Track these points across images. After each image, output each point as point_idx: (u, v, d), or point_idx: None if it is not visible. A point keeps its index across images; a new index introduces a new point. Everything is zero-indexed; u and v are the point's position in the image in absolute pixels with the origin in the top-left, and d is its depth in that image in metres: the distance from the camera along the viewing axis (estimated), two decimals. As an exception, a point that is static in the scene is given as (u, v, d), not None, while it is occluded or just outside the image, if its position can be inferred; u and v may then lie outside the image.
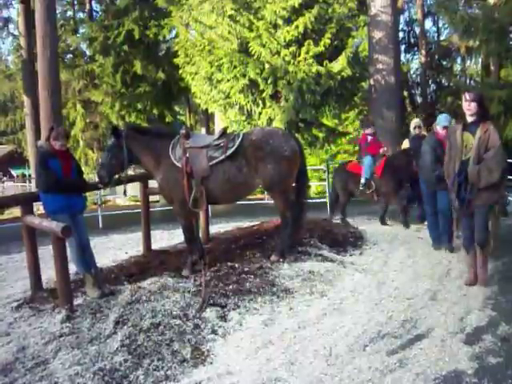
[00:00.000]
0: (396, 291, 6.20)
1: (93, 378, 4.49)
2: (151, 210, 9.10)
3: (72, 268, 6.62)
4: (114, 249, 10.42)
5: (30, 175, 30.29)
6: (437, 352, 4.54)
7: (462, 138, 5.94)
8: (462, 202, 6.02)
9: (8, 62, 34.82)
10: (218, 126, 17.84)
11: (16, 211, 19.44)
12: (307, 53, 15.16)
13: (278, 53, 15.34)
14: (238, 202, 8.90)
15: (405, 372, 4.23)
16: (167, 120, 23.70)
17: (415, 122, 10.87)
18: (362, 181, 10.54)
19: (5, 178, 38.26)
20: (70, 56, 26.62)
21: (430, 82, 27.33)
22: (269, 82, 15.23)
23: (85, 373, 4.57)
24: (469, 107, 5.90)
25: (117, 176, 7.05)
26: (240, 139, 6.84)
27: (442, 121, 7.89)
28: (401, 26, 26.06)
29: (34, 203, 7.13)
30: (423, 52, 25.43)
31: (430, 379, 4.10)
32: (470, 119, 5.97)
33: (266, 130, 7.20)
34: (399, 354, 4.55)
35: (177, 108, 27.80)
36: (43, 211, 6.67)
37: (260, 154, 6.78)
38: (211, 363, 4.71)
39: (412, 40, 28.38)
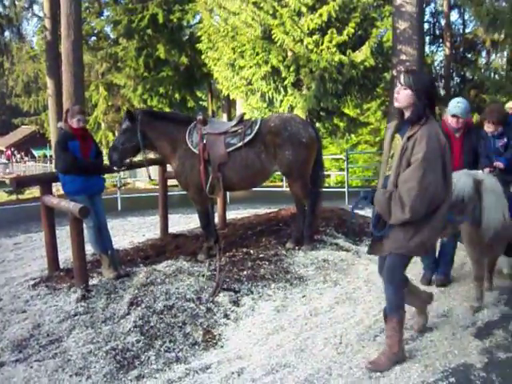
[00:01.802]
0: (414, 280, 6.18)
1: (105, 356, 4.59)
2: (170, 193, 9.15)
3: (89, 248, 6.71)
4: (131, 231, 10.52)
5: (51, 156, 30.59)
6: (446, 345, 4.54)
7: (391, 143, 4.39)
8: (373, 236, 4.21)
9: (32, 43, 35.08)
10: (240, 113, 17.86)
11: (36, 191, 19.71)
12: (330, 41, 15.06)
13: (301, 41, 15.25)
14: (257, 189, 8.93)
15: (413, 363, 4.24)
16: (189, 105, 23.76)
17: (510, 106, 7.50)
18: None
19: (26, 158, 38.72)
20: (93, 39, 26.74)
21: (454, 74, 26.99)
22: (291, 69, 15.17)
23: (97, 351, 4.67)
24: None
25: (128, 160, 7.10)
26: (258, 126, 6.84)
27: (451, 107, 5.64)
28: (426, 18, 25.68)
29: (54, 183, 7.22)
30: (448, 44, 25.10)
31: (438, 371, 4.10)
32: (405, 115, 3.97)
33: (284, 117, 7.19)
34: (409, 346, 4.56)
35: (199, 93, 27.81)
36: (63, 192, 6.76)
37: (278, 141, 6.78)
38: (222, 347, 4.77)
39: (437, 32, 28.01)
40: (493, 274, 5.87)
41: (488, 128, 5.72)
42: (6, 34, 27.77)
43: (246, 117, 8.48)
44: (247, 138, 6.76)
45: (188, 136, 6.86)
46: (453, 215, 4.43)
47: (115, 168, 7.18)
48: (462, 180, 4.55)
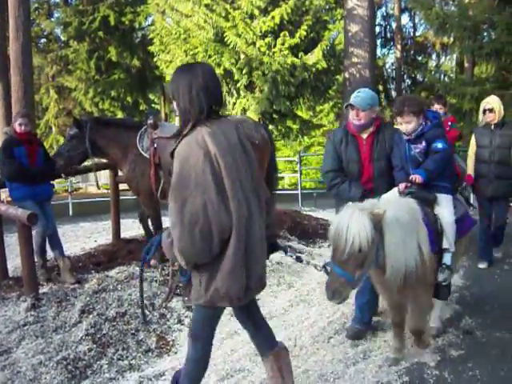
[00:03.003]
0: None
1: (56, 367, 4.48)
2: (123, 198, 9.02)
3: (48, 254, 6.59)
4: (83, 237, 10.33)
5: (0, 161, 29.79)
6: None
7: None
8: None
9: (-20, 45, 34.10)
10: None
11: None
12: (283, 44, 15.14)
13: (254, 43, 15.28)
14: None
15: (368, 364, 4.30)
16: (141, 108, 23.53)
17: (487, 101, 6.86)
18: None
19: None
20: (43, 41, 26.20)
21: (405, 76, 27.56)
22: (244, 72, 15.18)
23: (48, 362, 4.56)
24: None
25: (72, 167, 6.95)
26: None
27: (351, 97, 4.73)
28: (377, 21, 26.17)
29: (2, 190, 7.03)
30: (399, 47, 25.59)
31: (392, 371, 4.16)
32: None
33: (236, 118, 7.17)
34: (363, 346, 4.62)
35: (151, 96, 27.57)
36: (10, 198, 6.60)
37: (229, 142, 6.74)
38: (175, 353, 4.73)
39: (388, 35, 28.52)
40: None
41: (406, 125, 4.26)
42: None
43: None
44: (198, 142, 6.69)
45: (139, 141, 6.75)
46: (346, 272, 3.39)
47: (62, 175, 7.04)
48: (354, 222, 3.35)
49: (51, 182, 6.61)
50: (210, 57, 15.40)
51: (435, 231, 3.97)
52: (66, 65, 24.07)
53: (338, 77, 18.46)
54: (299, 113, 19.07)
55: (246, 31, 15.12)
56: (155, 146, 6.63)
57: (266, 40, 15.23)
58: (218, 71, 15.27)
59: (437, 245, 3.97)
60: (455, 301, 5.66)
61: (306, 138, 21.64)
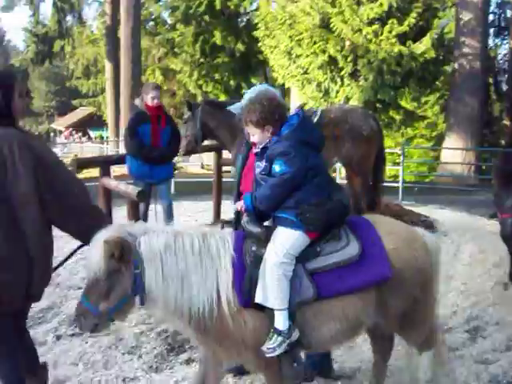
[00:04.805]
0: (463, 286, 6.00)
1: (156, 338, 4.70)
2: (225, 180, 9.14)
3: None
4: (184, 215, 10.57)
5: (107, 137, 31.17)
6: (503, 346, 4.40)
7: None
8: None
9: (93, 28, 35.70)
10: (295, 102, 17.76)
11: (93, 171, 20.04)
12: (390, 32, 14.83)
13: (360, 30, 15.06)
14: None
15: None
16: (243, 92, 23.83)
17: None
18: None
19: (84, 139, 39.65)
20: (151, 24, 27.04)
21: (519, 69, 26.23)
22: (348, 59, 15.03)
23: (149, 332, 4.80)
24: None
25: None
26: (318, 117, 6.72)
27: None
28: (491, 9, 24.95)
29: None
30: (513, 37, 24.39)
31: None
32: None
33: (345, 108, 7.06)
34: (460, 351, 4.43)
35: (254, 81, 27.86)
36: (116, 174, 6.81)
37: (338, 132, 6.65)
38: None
39: (502, 24, 27.22)
40: None
41: (252, 136, 3.22)
42: (68, 18, 28.37)
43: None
44: (305, 130, 6.66)
45: (246, 125, 6.82)
46: (87, 302, 2.83)
47: (180, 153, 7.13)
48: (93, 247, 2.88)
49: (172, 162, 6.74)
50: (315, 43, 15.36)
51: (248, 277, 2.99)
52: (172, 47, 24.75)
53: (446, 67, 17.86)
54: (403, 103, 18.63)
55: (353, 18, 14.93)
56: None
57: (373, 27, 14.97)
58: (323, 58, 15.21)
59: (250, 295, 2.97)
60: None
61: (408, 129, 21.14)
